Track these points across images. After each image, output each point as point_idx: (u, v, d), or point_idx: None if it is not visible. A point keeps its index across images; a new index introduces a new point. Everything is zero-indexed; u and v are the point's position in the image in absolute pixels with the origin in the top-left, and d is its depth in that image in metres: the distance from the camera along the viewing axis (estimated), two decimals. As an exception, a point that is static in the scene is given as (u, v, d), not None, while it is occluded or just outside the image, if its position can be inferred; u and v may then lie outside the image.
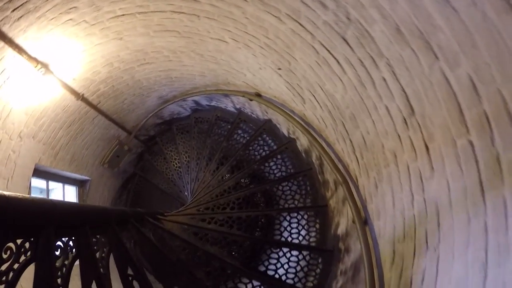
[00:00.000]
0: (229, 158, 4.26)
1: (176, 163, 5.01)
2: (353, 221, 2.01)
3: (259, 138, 4.20)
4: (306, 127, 2.73)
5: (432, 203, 1.36)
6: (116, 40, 2.72)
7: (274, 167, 3.90)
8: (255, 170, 4.29)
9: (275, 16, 2.03)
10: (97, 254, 1.44)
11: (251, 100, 3.39)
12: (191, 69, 3.34)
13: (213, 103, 4.41)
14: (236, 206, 3.48)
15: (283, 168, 3.88)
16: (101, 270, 1.37)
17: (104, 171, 4.38)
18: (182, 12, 2.44)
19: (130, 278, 1.44)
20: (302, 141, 3.37)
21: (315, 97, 2.36)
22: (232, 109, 4.40)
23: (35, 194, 3.72)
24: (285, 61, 2.41)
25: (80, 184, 4.02)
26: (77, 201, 4.01)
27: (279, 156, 3.92)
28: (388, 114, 1.54)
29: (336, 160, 2.35)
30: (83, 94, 3.16)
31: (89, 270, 1.25)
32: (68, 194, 3.90)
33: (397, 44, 1.32)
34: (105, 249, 1.51)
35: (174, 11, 2.44)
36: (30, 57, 2.40)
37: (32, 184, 3.21)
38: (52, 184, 3.65)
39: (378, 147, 1.73)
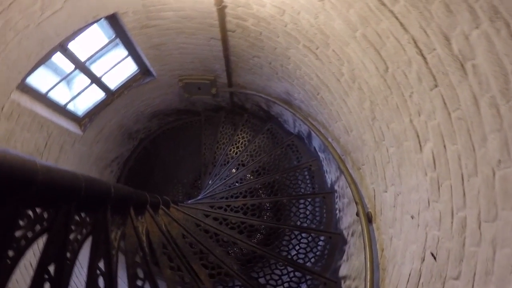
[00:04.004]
0: (274, 215, 3.14)
1: (234, 151, 3.99)
2: None
3: (318, 240, 2.98)
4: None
5: None
6: (316, -6, 1.62)
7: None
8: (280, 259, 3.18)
9: None
10: (112, 235, 1.30)
11: (357, 215, 2.14)
12: (345, 112, 2.13)
13: (322, 154, 3.18)
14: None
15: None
16: (112, 251, 1.24)
17: (175, 85, 3.52)
18: (424, 57, 1.21)
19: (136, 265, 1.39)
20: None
21: None
22: (329, 181, 3.14)
23: (101, 30, 2.93)
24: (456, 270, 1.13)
25: (143, 70, 3.20)
26: (127, 79, 3.21)
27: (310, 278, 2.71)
28: None
29: None
30: (225, 7, 2.19)
31: (100, 250, 1.17)
32: (125, 65, 3.10)
33: None
34: (119, 231, 1.40)
35: (415, 43, 1.22)
36: None
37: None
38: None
39: None
